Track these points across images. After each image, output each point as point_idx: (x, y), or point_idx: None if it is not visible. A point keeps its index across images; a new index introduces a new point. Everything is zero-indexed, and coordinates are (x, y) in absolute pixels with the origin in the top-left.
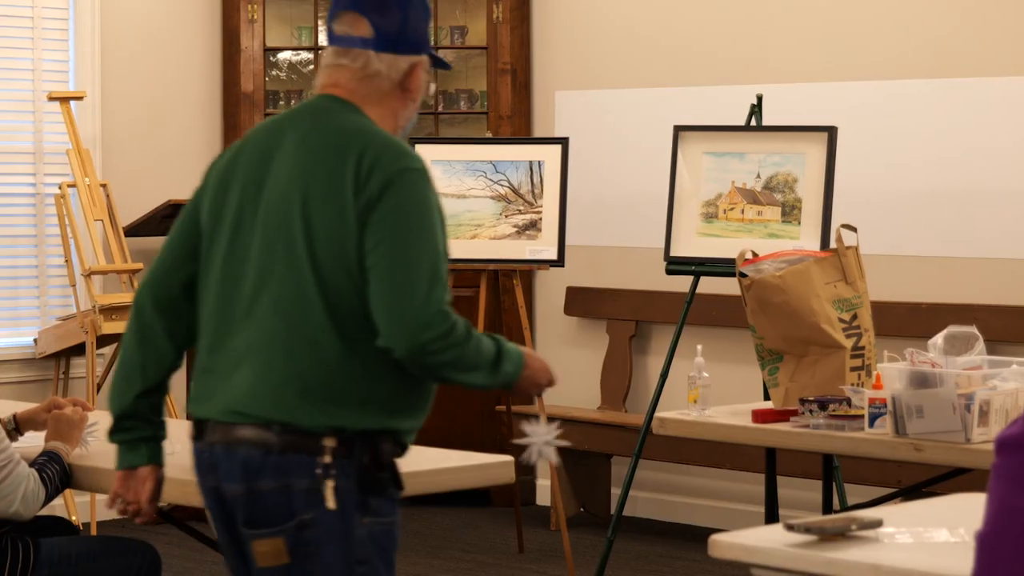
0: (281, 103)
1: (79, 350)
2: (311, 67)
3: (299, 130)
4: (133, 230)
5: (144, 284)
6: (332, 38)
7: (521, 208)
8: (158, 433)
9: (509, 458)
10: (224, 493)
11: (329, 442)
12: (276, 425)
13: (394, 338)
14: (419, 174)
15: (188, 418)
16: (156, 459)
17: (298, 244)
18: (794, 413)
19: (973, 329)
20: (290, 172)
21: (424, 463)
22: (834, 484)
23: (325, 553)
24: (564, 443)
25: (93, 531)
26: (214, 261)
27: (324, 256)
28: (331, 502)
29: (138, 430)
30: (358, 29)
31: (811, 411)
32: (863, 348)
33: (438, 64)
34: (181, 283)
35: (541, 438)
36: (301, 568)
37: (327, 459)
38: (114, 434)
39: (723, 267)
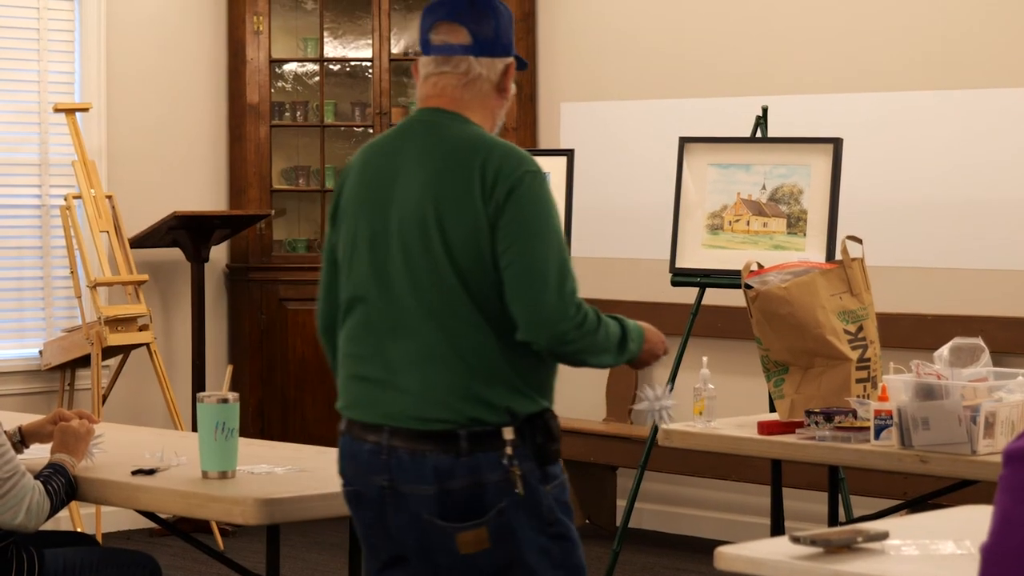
0: (287, 114)
1: (84, 362)
2: (316, 78)
3: (417, 146)
4: (139, 241)
5: (318, 319)
6: (430, 48)
7: None
8: None
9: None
10: (403, 491)
11: (508, 434)
12: (462, 429)
13: (534, 331)
14: (538, 176)
15: (343, 419)
16: None
17: (438, 254)
18: (800, 425)
19: (979, 341)
20: (419, 187)
21: None
22: (840, 496)
23: (521, 529)
24: (674, 403)
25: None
26: (355, 277)
27: (464, 262)
28: (519, 487)
29: None
30: (457, 37)
31: (817, 423)
32: (869, 360)
33: (521, 65)
34: (331, 312)
35: (657, 402)
36: (501, 548)
37: (509, 450)
38: None
39: (728, 279)
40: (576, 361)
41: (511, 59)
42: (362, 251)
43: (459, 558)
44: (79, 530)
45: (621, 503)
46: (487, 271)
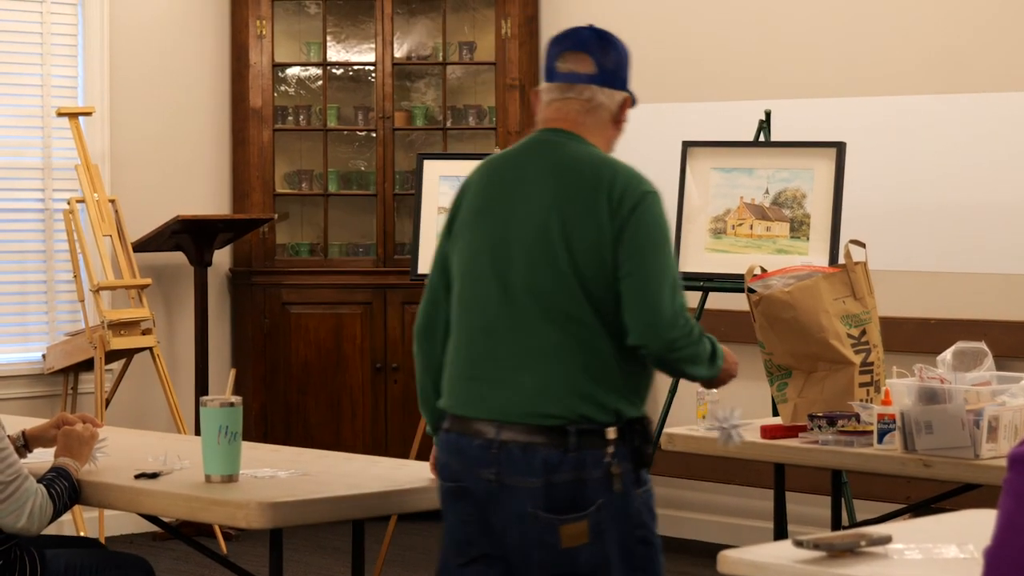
0: (290, 118)
1: (87, 365)
2: (319, 82)
3: (541, 161)
4: (141, 245)
5: (418, 318)
6: (555, 75)
7: None
8: None
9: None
10: (509, 484)
11: (611, 434)
12: (572, 425)
13: (647, 337)
14: (657, 197)
15: (448, 416)
16: None
17: (562, 263)
18: (803, 429)
19: (982, 345)
20: (544, 200)
21: (434, 479)
22: (843, 500)
23: (613, 528)
24: (747, 423)
25: None
26: (473, 283)
27: (587, 271)
28: (618, 485)
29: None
30: (583, 66)
31: (820, 427)
32: (872, 364)
33: (633, 102)
34: (433, 311)
35: (729, 423)
36: (597, 544)
37: (611, 449)
38: (433, 434)
39: (732, 283)
40: (677, 369)
41: (628, 94)
42: (483, 258)
43: (558, 553)
44: (82, 534)
45: None
46: (607, 280)
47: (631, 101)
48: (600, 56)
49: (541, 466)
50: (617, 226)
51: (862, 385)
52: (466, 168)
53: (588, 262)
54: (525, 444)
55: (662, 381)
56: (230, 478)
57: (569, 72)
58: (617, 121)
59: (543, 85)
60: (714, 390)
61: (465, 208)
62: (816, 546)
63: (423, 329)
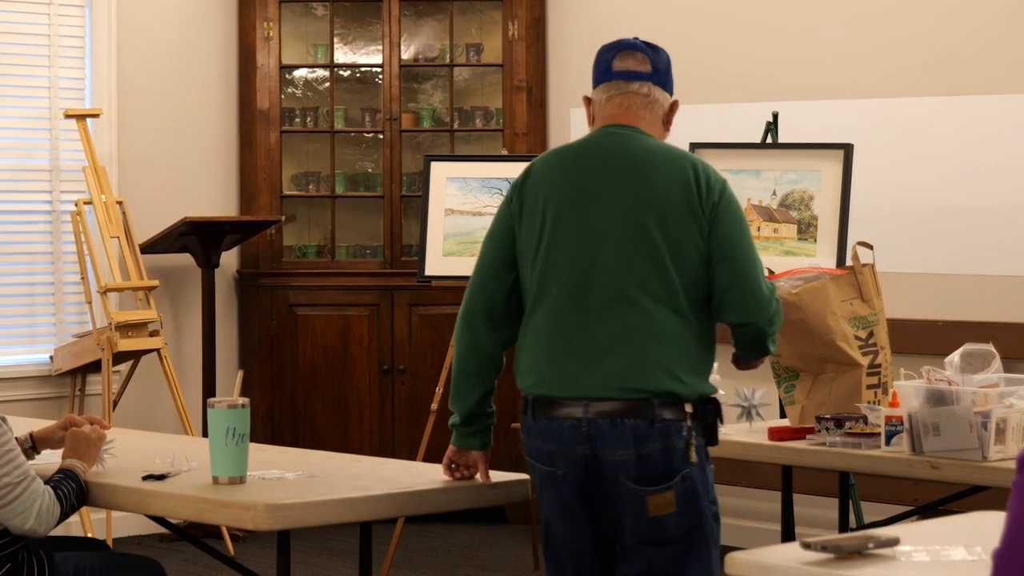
0: (297, 120)
1: (95, 367)
2: (326, 84)
3: (618, 153)
4: (149, 247)
5: (472, 299)
6: (612, 74)
7: None
8: (490, 423)
9: (525, 476)
10: (602, 458)
11: (689, 408)
12: (657, 399)
13: (753, 314)
14: (729, 186)
15: (531, 396)
16: (487, 445)
17: (654, 248)
18: (810, 431)
19: (990, 347)
20: (631, 189)
21: (441, 481)
22: (850, 502)
23: (696, 499)
24: (767, 404)
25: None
26: (558, 269)
27: (680, 255)
28: (694, 457)
29: (477, 424)
30: (640, 65)
31: (827, 429)
32: (879, 366)
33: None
34: (504, 293)
35: (750, 402)
36: (683, 513)
37: (689, 423)
38: (460, 427)
39: None
40: (765, 345)
41: (675, 99)
42: (570, 245)
43: (647, 521)
44: (90, 535)
45: None
46: (696, 265)
47: (677, 105)
48: (654, 57)
49: (631, 438)
50: (709, 214)
51: (870, 387)
52: (473, 170)
53: (679, 248)
54: (613, 418)
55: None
56: (237, 480)
57: (627, 70)
58: (667, 122)
59: (598, 88)
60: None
61: (535, 198)
62: (824, 548)
63: (481, 314)
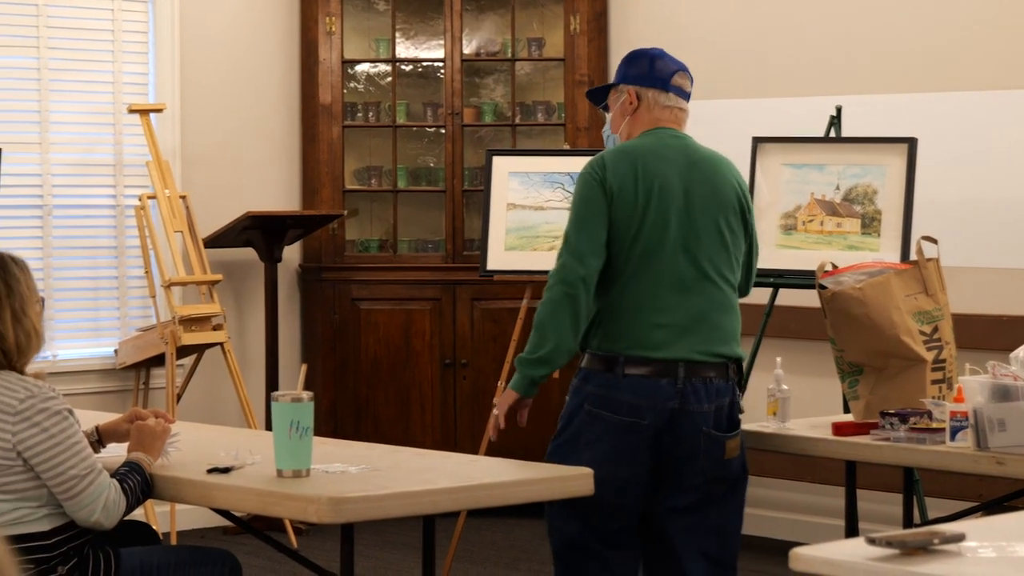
0: (359, 115)
1: (159, 361)
2: (388, 79)
3: (689, 153)
4: (212, 241)
5: (575, 270)
6: (671, 88)
7: None
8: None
9: (588, 470)
10: (689, 410)
11: (734, 368)
12: (730, 361)
13: (747, 291)
14: None
15: (623, 357)
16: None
17: (727, 238)
18: (874, 426)
19: None
20: (709, 187)
21: (504, 475)
22: (915, 498)
23: (744, 445)
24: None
25: (173, 540)
26: (656, 248)
27: (737, 245)
28: (741, 410)
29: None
30: (687, 87)
31: (892, 424)
32: (944, 361)
33: None
34: (598, 267)
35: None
36: (742, 456)
37: (733, 380)
38: (542, 379)
39: (802, 279)
40: None
41: None
42: (664, 229)
43: (721, 462)
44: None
45: None
46: (741, 255)
47: None
48: (691, 81)
49: (714, 394)
50: (747, 208)
51: (934, 382)
52: (535, 164)
53: (736, 240)
54: (704, 377)
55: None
56: (301, 473)
57: (682, 88)
58: None
59: (657, 92)
60: (784, 386)
61: (629, 187)
62: (889, 544)
63: (588, 282)
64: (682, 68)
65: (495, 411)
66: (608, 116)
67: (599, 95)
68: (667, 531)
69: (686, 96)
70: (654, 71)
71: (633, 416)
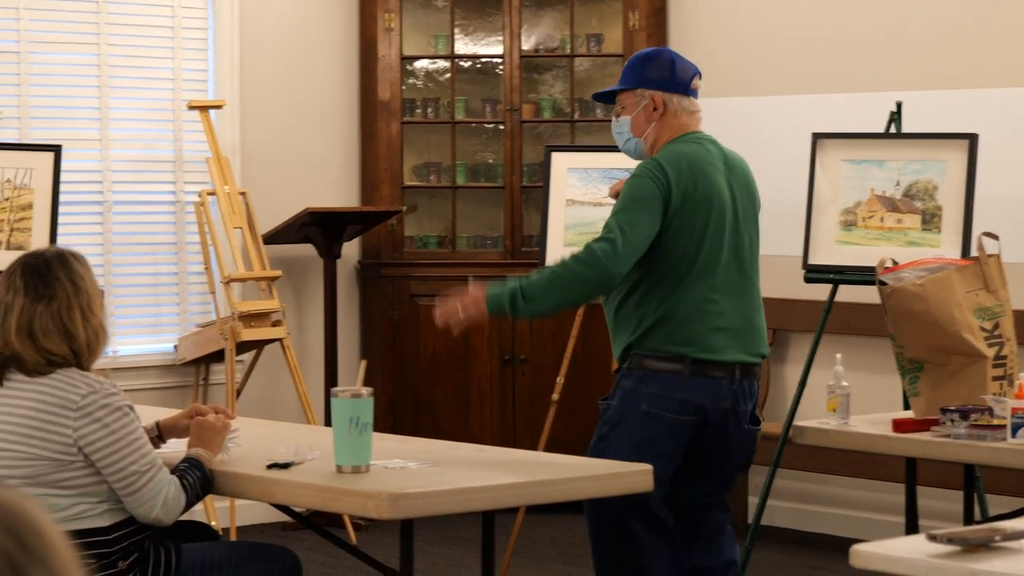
0: (418, 111)
1: (218, 356)
2: (447, 75)
3: (725, 157)
4: (271, 238)
5: (620, 267)
6: (692, 92)
7: None
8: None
9: (647, 466)
10: (737, 410)
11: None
12: (763, 359)
13: None
14: None
15: (691, 358)
16: None
17: (756, 237)
18: (935, 423)
19: None
20: (745, 190)
21: (563, 471)
22: (975, 494)
23: None
24: None
25: (232, 536)
26: (713, 253)
27: (759, 243)
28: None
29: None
30: (699, 88)
31: (952, 421)
32: (1005, 357)
33: None
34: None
35: None
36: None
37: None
38: (519, 311)
39: (862, 275)
40: None
41: None
42: (722, 233)
43: (749, 453)
44: (212, 523)
45: (753, 500)
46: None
47: None
48: None
49: (755, 393)
50: (759, 207)
51: (995, 379)
52: (594, 160)
53: (758, 235)
54: (752, 377)
55: (791, 378)
56: (361, 468)
57: (697, 91)
58: None
59: (681, 97)
60: (844, 383)
61: (696, 190)
62: (950, 540)
63: (625, 266)
64: (697, 71)
65: (458, 307)
66: (620, 117)
67: (608, 95)
68: (693, 515)
69: (697, 98)
70: (676, 76)
71: (696, 415)
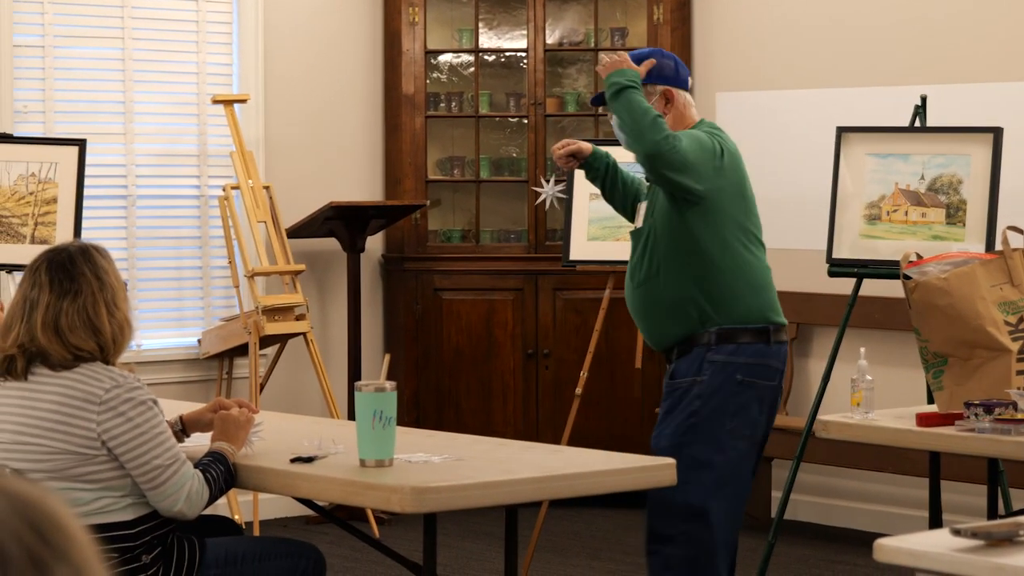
0: (442, 105)
1: (242, 350)
2: (471, 69)
3: None
4: (295, 232)
5: (675, 152)
6: (689, 89)
7: None
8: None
9: (670, 460)
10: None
11: None
12: None
13: None
14: None
15: (773, 326)
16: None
17: None
18: (959, 417)
19: None
20: None
21: (586, 465)
22: (999, 489)
23: None
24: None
25: (256, 531)
26: (758, 229)
27: None
28: None
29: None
30: None
31: (976, 415)
32: None
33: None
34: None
35: (551, 188)
36: None
37: None
38: (623, 91)
39: (886, 269)
40: None
41: None
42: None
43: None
44: (236, 517)
45: (776, 494)
46: None
47: None
48: None
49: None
50: None
51: (1020, 373)
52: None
53: None
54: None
55: (815, 372)
56: (384, 462)
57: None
58: None
59: (685, 90)
60: (868, 376)
61: (741, 165)
62: (974, 535)
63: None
64: (688, 70)
65: (613, 59)
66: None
67: (602, 97)
68: None
69: None
70: (679, 73)
71: (779, 380)
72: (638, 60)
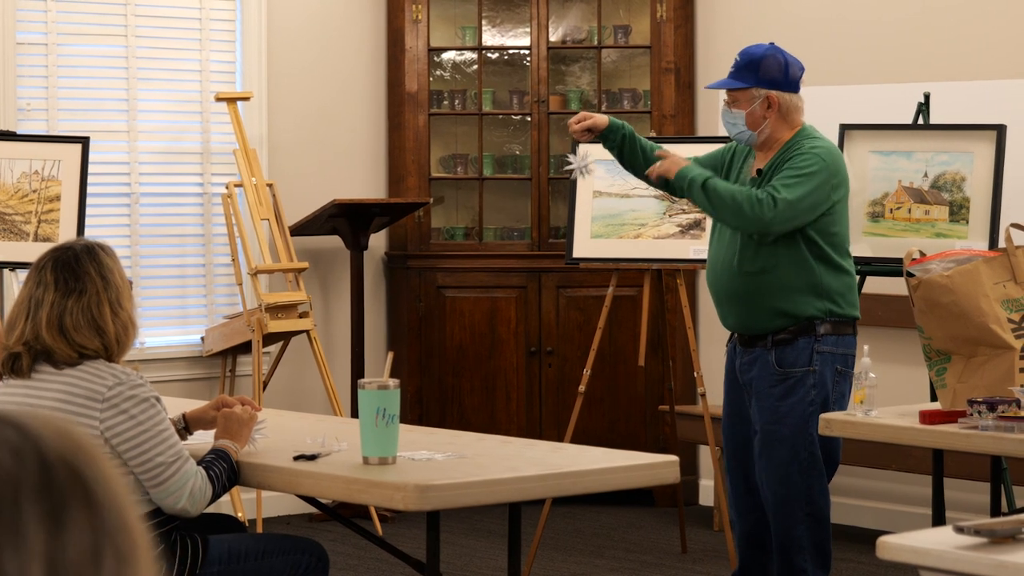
0: (445, 103)
1: (245, 348)
2: (474, 67)
3: None
4: (298, 229)
5: (783, 218)
6: (799, 89)
7: (685, 207)
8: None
9: (673, 458)
10: None
11: None
12: None
13: None
14: None
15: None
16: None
17: None
18: (962, 414)
19: None
20: None
21: (590, 463)
22: (1002, 486)
23: None
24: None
25: (259, 528)
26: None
27: None
28: None
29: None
30: None
31: (980, 412)
32: None
33: None
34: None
35: (582, 161)
36: None
37: None
38: (688, 184)
39: (890, 267)
40: None
41: None
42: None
43: None
44: (239, 514)
45: None
46: None
47: None
48: None
49: None
50: None
51: (1022, 370)
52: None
53: None
54: None
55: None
56: (387, 460)
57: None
58: None
59: (791, 95)
60: (872, 374)
61: (844, 177)
62: (977, 532)
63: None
64: (803, 68)
65: (670, 159)
66: (733, 109)
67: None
68: None
69: None
70: (788, 76)
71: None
72: (755, 58)
